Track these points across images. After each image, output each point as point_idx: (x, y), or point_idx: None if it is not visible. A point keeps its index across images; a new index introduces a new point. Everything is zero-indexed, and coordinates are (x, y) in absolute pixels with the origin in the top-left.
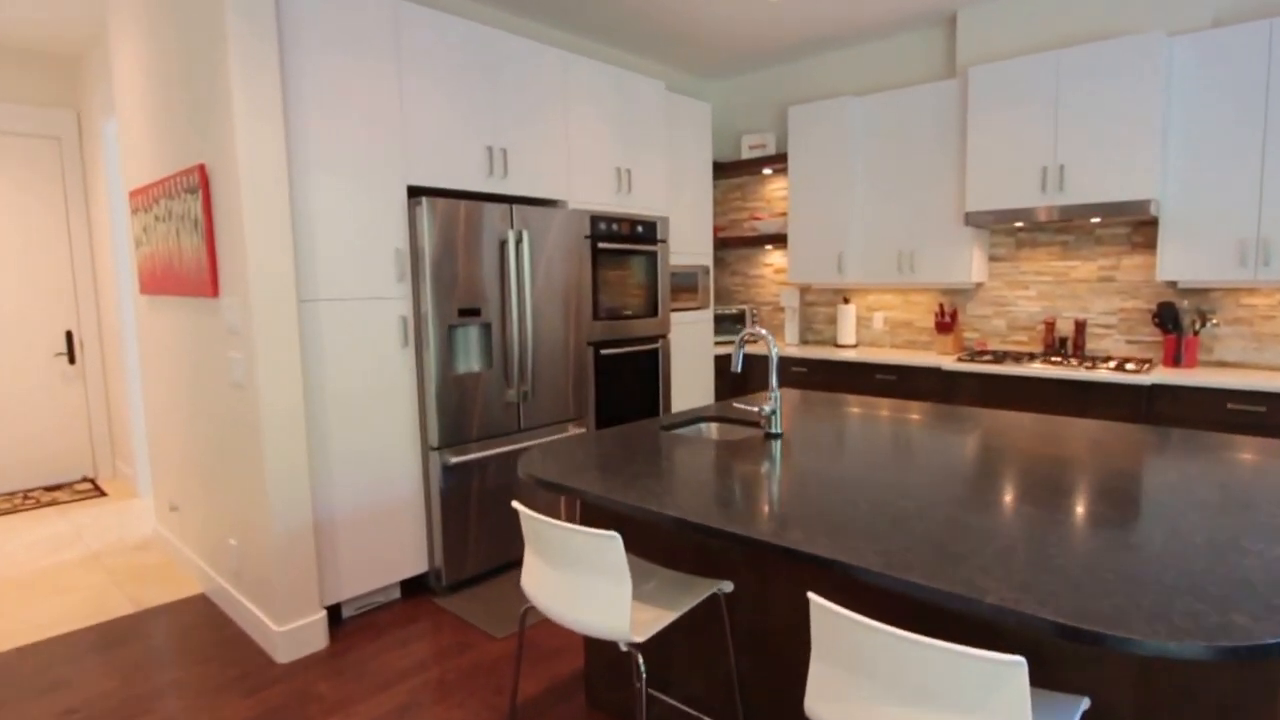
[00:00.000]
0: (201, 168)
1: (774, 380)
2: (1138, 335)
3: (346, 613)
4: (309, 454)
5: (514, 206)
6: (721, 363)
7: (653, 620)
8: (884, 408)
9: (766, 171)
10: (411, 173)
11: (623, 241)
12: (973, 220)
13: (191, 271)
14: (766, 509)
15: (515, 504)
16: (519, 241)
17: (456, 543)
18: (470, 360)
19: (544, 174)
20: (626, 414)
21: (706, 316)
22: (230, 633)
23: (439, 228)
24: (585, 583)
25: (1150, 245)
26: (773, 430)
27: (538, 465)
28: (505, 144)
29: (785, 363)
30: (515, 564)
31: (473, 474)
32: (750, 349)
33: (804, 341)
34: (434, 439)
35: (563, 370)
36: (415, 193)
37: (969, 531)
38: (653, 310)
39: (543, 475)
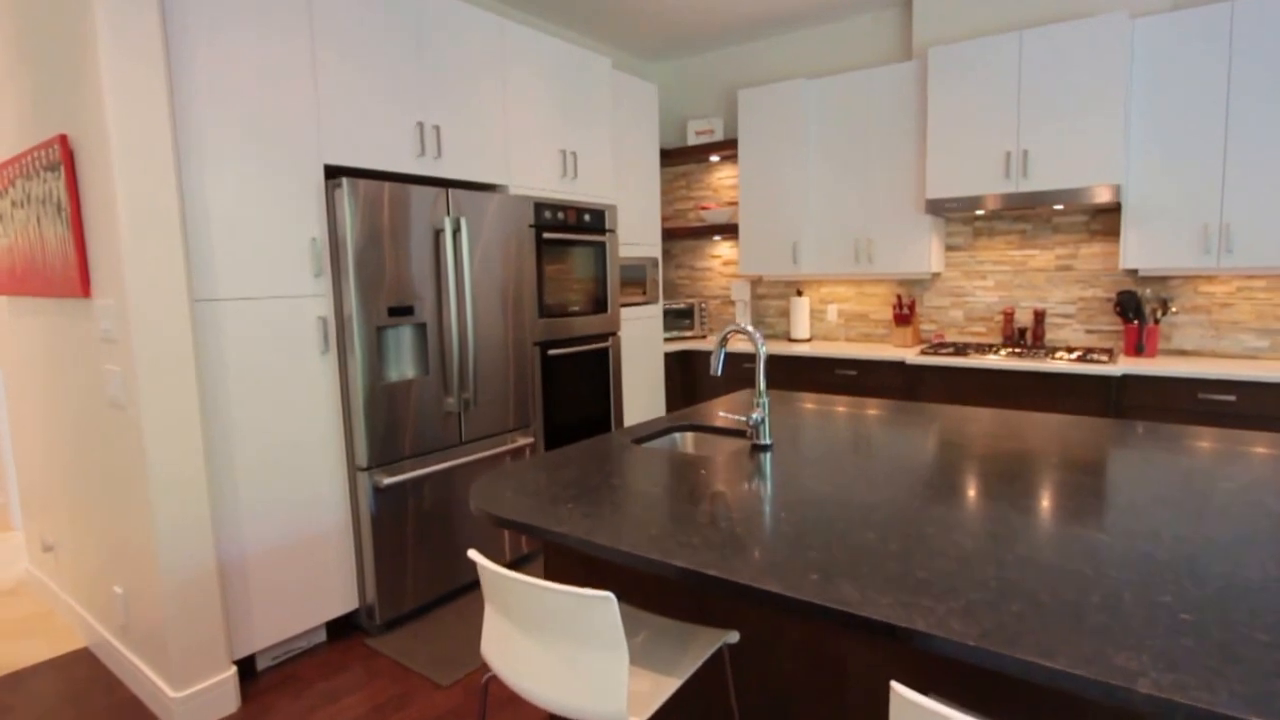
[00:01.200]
0: (63, 139)
1: (762, 384)
2: (1097, 324)
3: (262, 664)
4: (209, 484)
5: (449, 191)
6: (671, 362)
7: (651, 692)
8: (870, 408)
9: (714, 159)
10: (329, 150)
11: (569, 231)
12: (933, 208)
13: (57, 267)
14: (792, 551)
15: (473, 554)
16: (456, 230)
17: (391, 574)
18: (403, 366)
19: (481, 155)
20: (577, 420)
21: (655, 312)
22: (120, 698)
23: (363, 213)
24: (568, 653)
25: (1108, 233)
26: (761, 441)
27: (495, 498)
28: (437, 120)
29: (738, 359)
30: (460, 592)
31: (408, 495)
32: (688, 345)
33: None
34: (362, 458)
35: (507, 374)
36: (334, 173)
37: (1056, 576)
38: (602, 306)
39: (506, 514)
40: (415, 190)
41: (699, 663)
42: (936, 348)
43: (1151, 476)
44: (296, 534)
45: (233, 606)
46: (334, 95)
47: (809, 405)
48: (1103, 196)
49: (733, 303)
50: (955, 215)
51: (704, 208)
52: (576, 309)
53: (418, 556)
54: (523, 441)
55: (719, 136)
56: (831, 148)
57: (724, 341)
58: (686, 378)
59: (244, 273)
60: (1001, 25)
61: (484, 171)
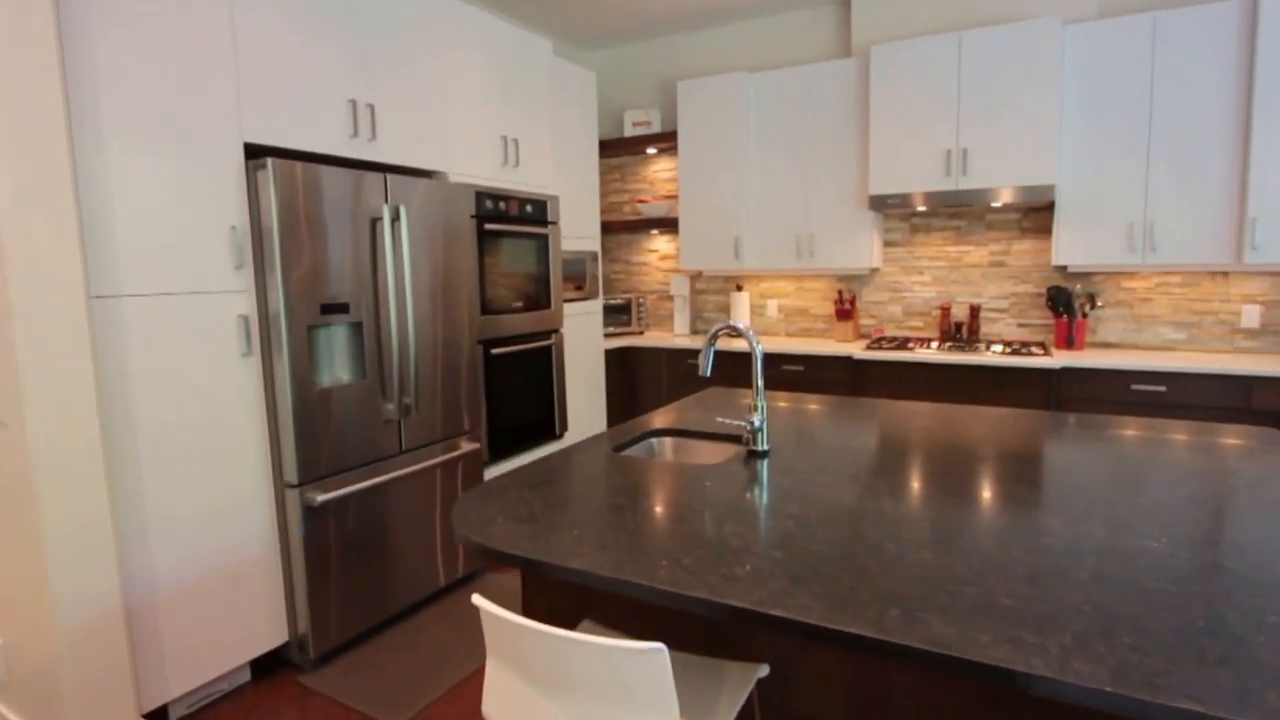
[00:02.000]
0: None
1: (759, 383)
2: (1028, 319)
3: (176, 715)
4: (112, 512)
5: (388, 177)
6: (611, 360)
7: None
8: (850, 407)
9: (651, 151)
10: (250, 127)
11: (512, 222)
12: (875, 204)
13: None
14: (855, 580)
15: (479, 600)
16: (395, 220)
17: (326, 601)
18: (337, 369)
19: (420, 139)
20: (521, 423)
21: (595, 308)
22: None
23: (290, 198)
24: (606, 717)
25: (1039, 230)
26: (759, 447)
27: (484, 527)
28: (372, 99)
29: (681, 355)
30: (404, 616)
31: (344, 513)
32: (626, 342)
33: (694, 332)
34: (292, 474)
35: (449, 376)
36: (257, 153)
37: (1144, 596)
38: (544, 302)
39: (502, 546)
40: (349, 175)
41: (738, 705)
42: (879, 342)
43: (1185, 476)
44: (216, 563)
45: (142, 652)
46: (256, 67)
47: (781, 404)
48: (1038, 195)
49: (671, 298)
50: (895, 212)
51: (641, 201)
52: (519, 305)
53: (355, 580)
54: (467, 448)
55: (656, 128)
56: (773, 142)
57: (714, 339)
58: (626, 376)
59: (152, 265)
60: (940, 26)
61: (422, 157)
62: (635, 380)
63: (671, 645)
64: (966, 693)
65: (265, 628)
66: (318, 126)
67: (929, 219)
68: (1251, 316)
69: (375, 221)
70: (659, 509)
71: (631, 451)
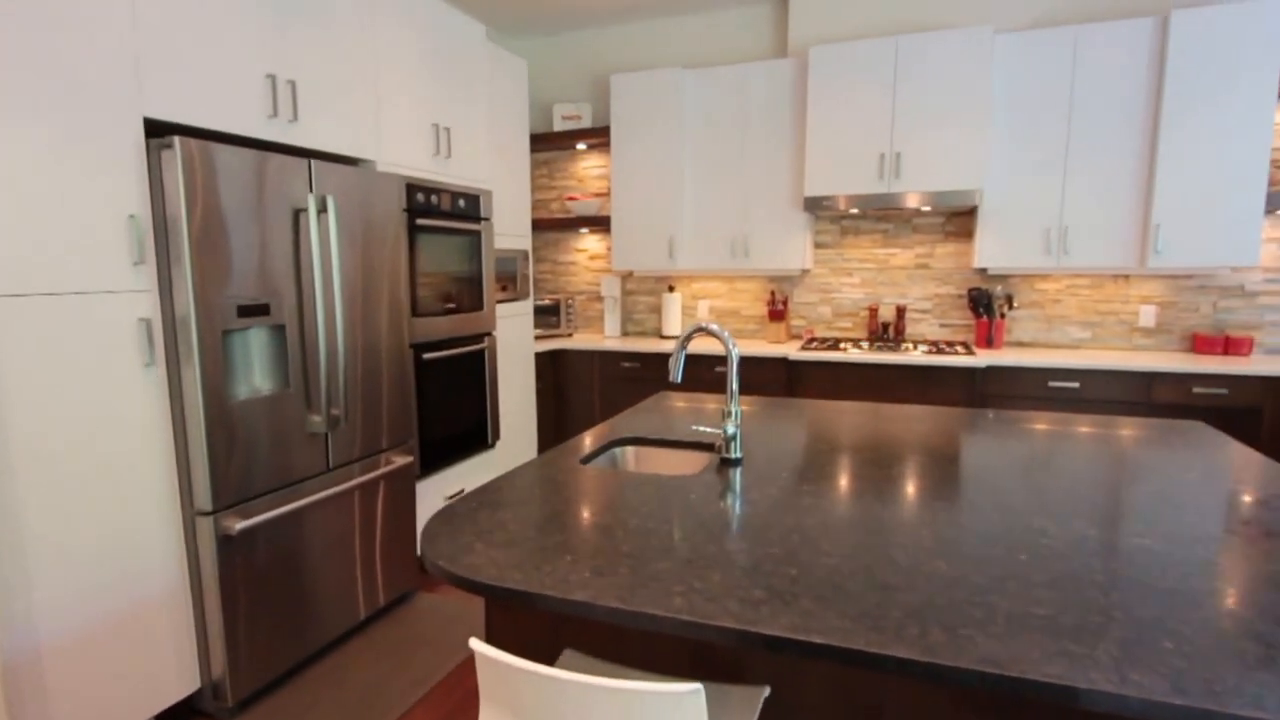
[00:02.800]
0: None
1: (734, 386)
2: (950, 319)
3: None
4: None
5: (312, 163)
6: (542, 362)
7: None
8: (799, 408)
9: (581, 146)
10: (152, 99)
11: (444, 217)
12: (811, 205)
13: None
14: (880, 596)
15: (475, 643)
16: (322, 211)
17: (245, 641)
18: (256, 379)
19: (346, 122)
20: (454, 433)
21: (526, 309)
22: None
23: (201, 184)
24: None
25: (960, 234)
26: (732, 455)
27: (462, 555)
28: (294, 74)
29: (613, 357)
30: (331, 648)
31: (266, 541)
32: (556, 344)
33: (625, 333)
34: (204, 500)
35: (381, 383)
36: (160, 130)
37: (1166, 598)
38: (477, 303)
39: (489, 578)
40: (270, 159)
41: None
42: (810, 343)
43: (1147, 471)
44: (115, 605)
45: (21, 715)
46: (158, 29)
47: (741, 407)
48: (965, 200)
49: (601, 299)
50: (826, 214)
51: (571, 198)
52: (451, 307)
53: (276, 614)
54: (400, 462)
55: (587, 123)
56: (708, 141)
57: (686, 342)
58: (557, 380)
59: (29, 260)
60: (876, 30)
61: (348, 142)
62: (565, 384)
63: (661, 670)
64: (956, 696)
65: (174, 675)
66: (232, 103)
67: (858, 222)
68: (1148, 316)
69: (299, 213)
70: (650, 526)
71: (597, 463)
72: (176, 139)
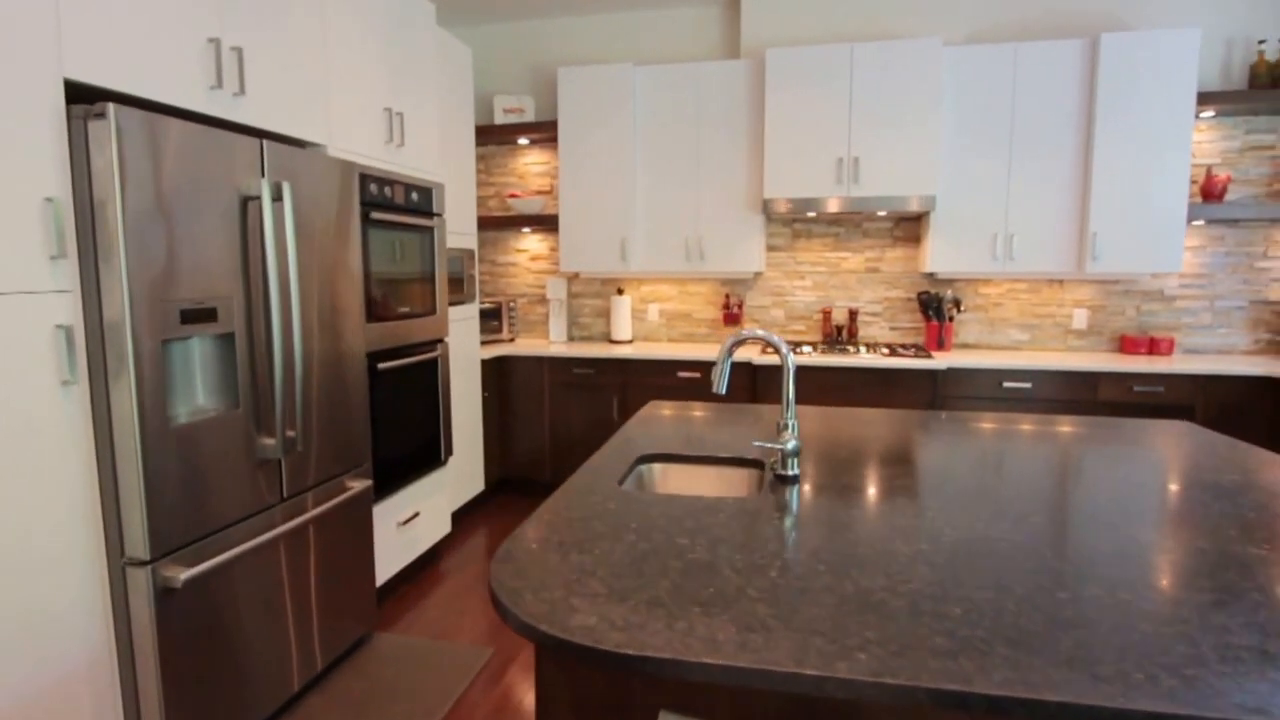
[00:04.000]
0: None
1: (791, 396)
2: (899, 322)
3: None
4: None
5: (265, 144)
6: (486, 370)
7: None
8: (822, 417)
9: (523, 141)
10: (74, 59)
11: (398, 211)
12: (769, 208)
13: None
14: (1059, 633)
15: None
16: (277, 199)
17: (190, 711)
18: (200, 397)
19: (298, 99)
20: (408, 450)
21: (472, 312)
22: None
23: (140, 161)
24: None
25: (909, 239)
26: (788, 472)
27: (562, 615)
28: (240, 40)
29: (564, 364)
30: (289, 707)
31: (213, 591)
32: (500, 350)
33: (571, 338)
34: (138, 546)
35: (338, 397)
36: (83, 96)
37: None
38: (430, 306)
39: (621, 646)
40: (218, 136)
41: None
42: (767, 347)
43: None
44: (20, 682)
45: None
46: None
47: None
48: (920, 206)
49: (544, 302)
50: (780, 216)
51: (512, 195)
52: (405, 310)
53: (224, 676)
54: (357, 487)
55: (530, 117)
56: (661, 140)
57: (731, 350)
58: (502, 389)
59: None
60: (827, 36)
61: (300, 123)
62: (511, 393)
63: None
64: None
65: None
66: (170, 69)
67: (810, 225)
68: (1081, 319)
69: (249, 201)
70: (758, 562)
71: (627, 485)
72: (111, 106)
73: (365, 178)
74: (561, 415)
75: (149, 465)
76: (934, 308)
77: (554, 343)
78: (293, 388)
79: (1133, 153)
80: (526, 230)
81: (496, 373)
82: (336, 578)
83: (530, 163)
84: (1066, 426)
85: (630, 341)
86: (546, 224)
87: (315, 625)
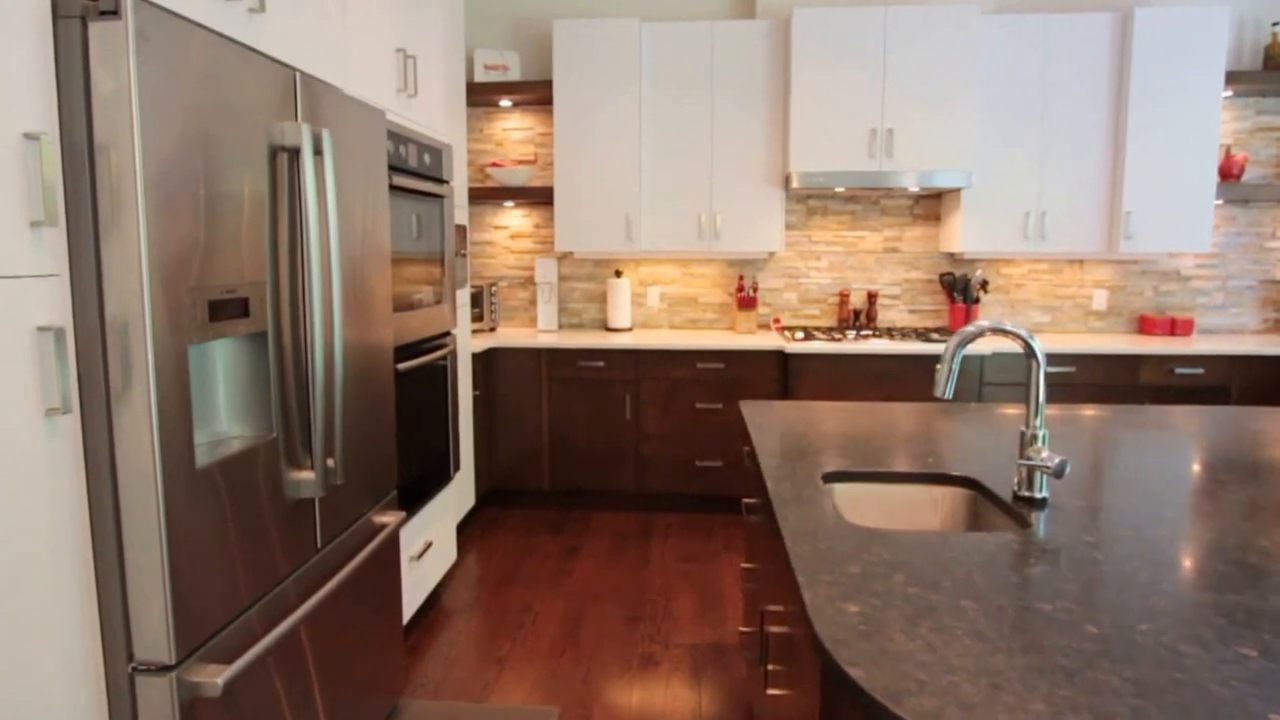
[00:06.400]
0: None
1: (1041, 397)
2: (919, 304)
3: None
4: None
5: (299, 78)
6: (475, 364)
7: None
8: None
9: (505, 103)
10: None
11: (414, 177)
12: (796, 183)
13: None
14: None
15: None
16: (317, 152)
17: None
18: (222, 420)
19: (317, 30)
20: (420, 466)
21: (464, 299)
22: None
23: (162, 88)
24: None
25: (929, 217)
26: (1034, 494)
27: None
28: None
29: (567, 356)
30: None
31: (248, 692)
32: (487, 342)
33: (562, 326)
34: (158, 645)
35: (370, 409)
36: None
37: None
38: (439, 292)
39: None
40: (248, 61)
41: None
42: (784, 332)
43: None
44: None
45: None
46: None
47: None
48: (958, 182)
49: (527, 286)
50: (803, 192)
51: (494, 164)
52: (420, 298)
53: None
54: (389, 521)
55: (515, 75)
56: (671, 107)
57: (964, 344)
58: (490, 386)
59: None
60: None
61: (320, 58)
62: (501, 391)
63: None
64: None
65: None
66: None
67: (826, 202)
68: (1100, 300)
69: (283, 154)
70: (1081, 620)
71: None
72: (128, 2)
73: (389, 134)
74: (563, 415)
75: (173, 528)
76: (960, 289)
77: (543, 331)
78: (333, 401)
79: (1165, 130)
80: (509, 204)
81: (483, 368)
82: (365, 640)
83: (511, 128)
84: (1198, 416)
85: (629, 329)
86: (533, 197)
87: (345, 706)
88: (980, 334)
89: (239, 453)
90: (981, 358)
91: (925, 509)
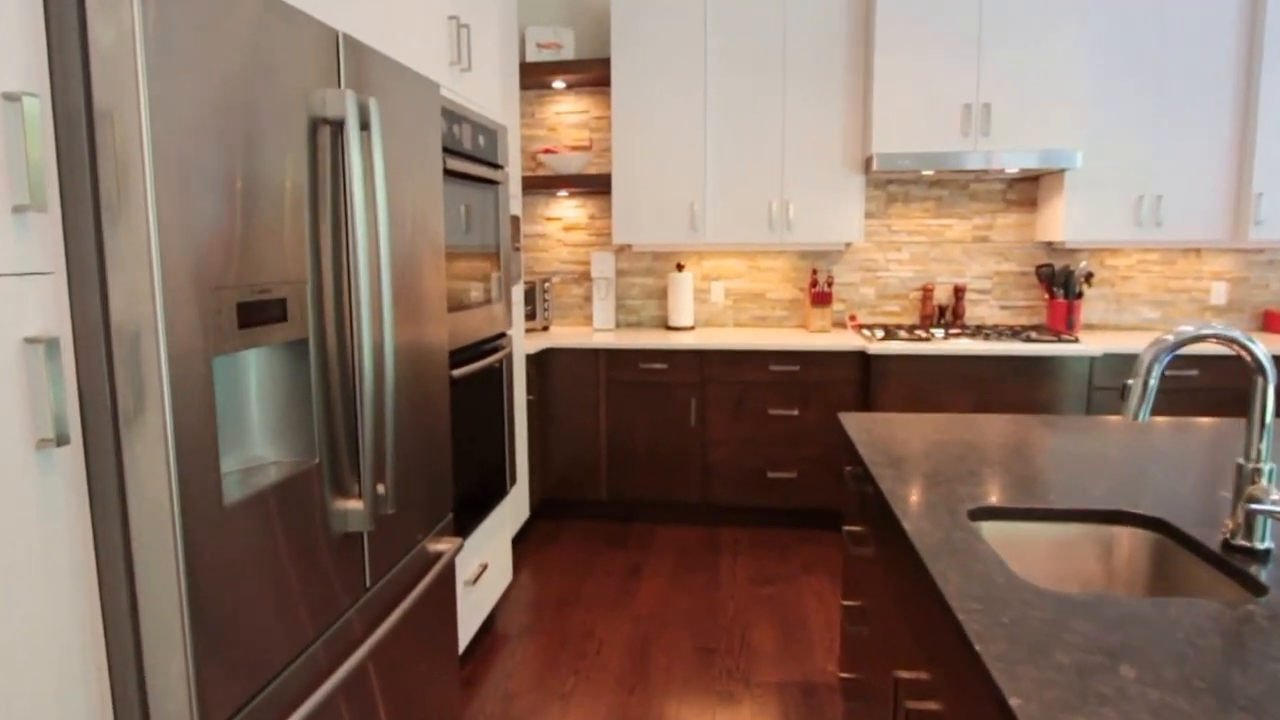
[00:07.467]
0: None
1: (1267, 421)
2: (1011, 300)
3: None
4: None
5: (343, 40)
6: (528, 366)
7: None
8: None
9: (558, 84)
10: None
11: (468, 160)
12: (882, 165)
13: None
14: None
15: None
16: (363, 126)
17: None
18: (255, 443)
19: None
20: (476, 481)
21: (517, 296)
22: None
23: (177, 43)
24: None
25: (1023, 202)
26: (1255, 544)
27: None
28: None
29: (626, 358)
30: None
31: None
32: (540, 342)
33: (619, 325)
34: (180, 717)
35: (424, 423)
36: None
37: None
38: (494, 290)
39: None
40: (284, 13)
41: None
42: (861, 330)
43: None
44: None
45: None
46: None
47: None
48: (1064, 161)
49: (582, 282)
50: (886, 177)
51: (546, 151)
52: (475, 296)
53: None
54: (444, 549)
55: (569, 54)
56: (738, 84)
57: (1161, 355)
58: (544, 390)
59: None
60: None
61: (362, 17)
62: (555, 395)
63: None
64: None
65: None
66: None
67: (908, 187)
68: (1220, 293)
69: (324, 128)
70: None
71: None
72: None
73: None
74: (622, 420)
75: (195, 579)
76: (1061, 282)
77: (599, 330)
78: (384, 418)
79: None
80: (562, 194)
81: (537, 370)
82: (417, 687)
83: (564, 112)
84: None
85: (691, 328)
86: (588, 186)
87: None
88: (1182, 342)
89: (276, 483)
90: (1091, 359)
91: (1089, 556)
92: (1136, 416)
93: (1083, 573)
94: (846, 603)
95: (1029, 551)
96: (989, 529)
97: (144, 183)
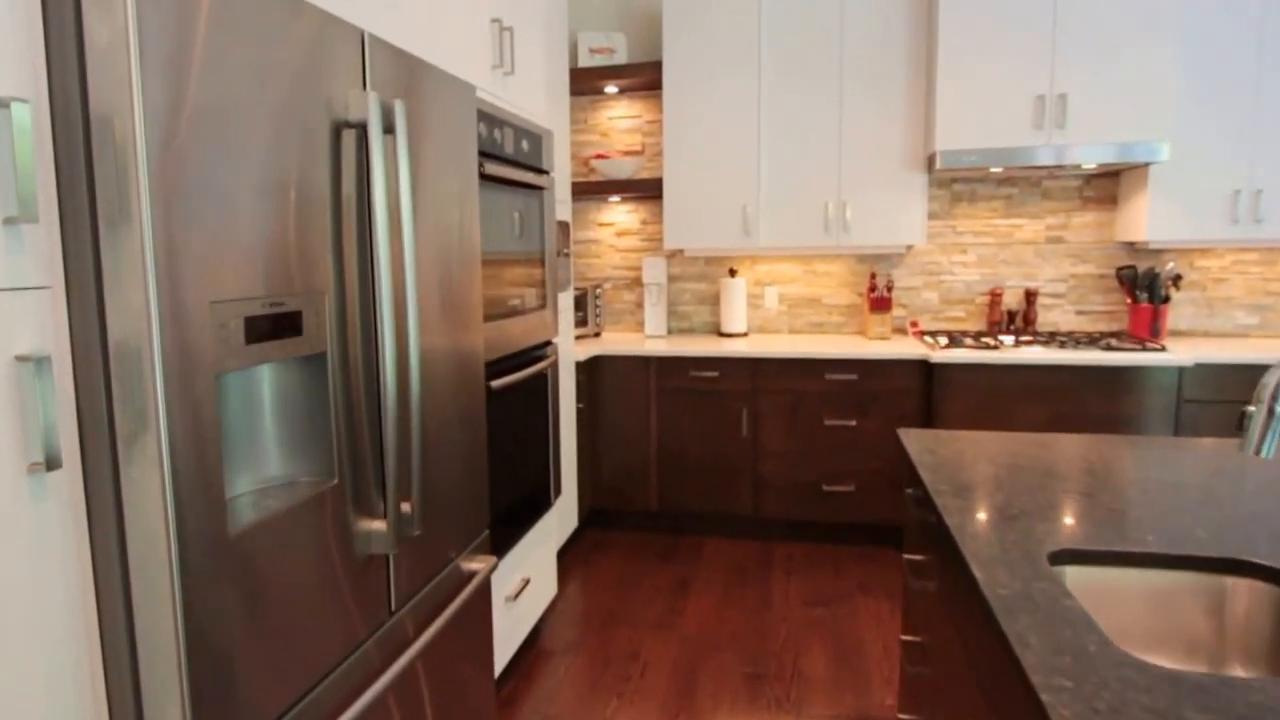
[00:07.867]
0: None
1: None
2: (1088, 305)
3: None
4: None
5: (368, 40)
6: (579, 374)
7: None
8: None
9: (610, 89)
10: None
11: (510, 165)
12: (945, 163)
13: None
14: None
15: None
16: (388, 130)
17: None
18: (270, 464)
19: None
20: (517, 495)
21: (567, 302)
22: None
23: (180, 39)
24: None
25: (1102, 200)
26: None
27: None
28: None
29: (678, 365)
30: None
31: None
32: (591, 349)
33: (671, 331)
34: None
35: (457, 438)
36: None
37: None
38: (540, 297)
39: None
40: (291, 18)
41: None
42: (923, 337)
43: None
44: None
45: None
46: None
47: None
48: (1148, 155)
49: (637, 286)
50: (953, 175)
51: (599, 156)
52: (518, 303)
53: None
54: (479, 568)
55: (621, 58)
56: (793, 84)
57: None
58: (594, 398)
59: None
60: None
61: (395, 20)
62: (604, 403)
63: None
64: None
65: None
66: None
67: (974, 186)
68: None
69: (348, 132)
70: None
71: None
72: None
73: (480, 115)
74: (672, 429)
75: (193, 617)
76: (1145, 285)
77: (651, 337)
78: (409, 433)
79: None
80: (615, 199)
81: (587, 377)
82: (447, 717)
83: (616, 116)
84: None
85: (745, 335)
86: (640, 191)
87: None
88: None
89: (291, 506)
90: (1180, 369)
91: (1195, 611)
92: (1259, 451)
93: (1186, 632)
94: (906, 638)
95: (1121, 604)
96: (1073, 574)
97: (140, 191)
